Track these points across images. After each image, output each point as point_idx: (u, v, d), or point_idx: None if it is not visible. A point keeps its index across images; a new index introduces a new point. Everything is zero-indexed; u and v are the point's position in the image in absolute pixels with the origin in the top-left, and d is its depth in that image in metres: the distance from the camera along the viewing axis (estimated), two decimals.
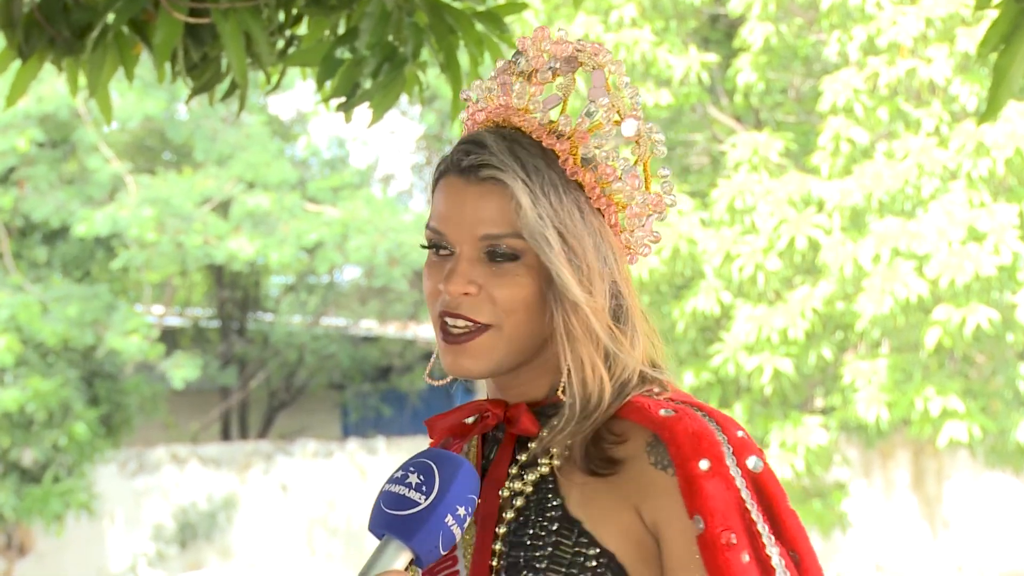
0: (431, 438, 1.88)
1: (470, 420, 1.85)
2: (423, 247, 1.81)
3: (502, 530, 1.77)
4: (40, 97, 14.48)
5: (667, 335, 11.48)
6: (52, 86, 14.44)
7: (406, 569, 1.69)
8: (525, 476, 1.78)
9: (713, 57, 12.19)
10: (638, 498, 1.72)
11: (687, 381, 11.51)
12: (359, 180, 18.27)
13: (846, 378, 11.33)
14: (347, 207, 16.75)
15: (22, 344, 14.33)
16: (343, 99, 3.42)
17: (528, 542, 1.74)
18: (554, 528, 1.74)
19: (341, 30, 3.54)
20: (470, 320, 1.75)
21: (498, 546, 1.77)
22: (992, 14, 3.04)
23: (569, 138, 1.77)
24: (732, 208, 11.32)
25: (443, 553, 1.69)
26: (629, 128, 1.78)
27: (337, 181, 17.60)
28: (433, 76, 8.08)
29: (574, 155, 1.77)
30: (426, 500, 1.67)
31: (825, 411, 12.26)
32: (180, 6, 3.34)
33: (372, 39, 3.38)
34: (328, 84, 3.46)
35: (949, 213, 10.69)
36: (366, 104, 3.42)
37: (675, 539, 1.70)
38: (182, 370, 16.34)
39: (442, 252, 1.78)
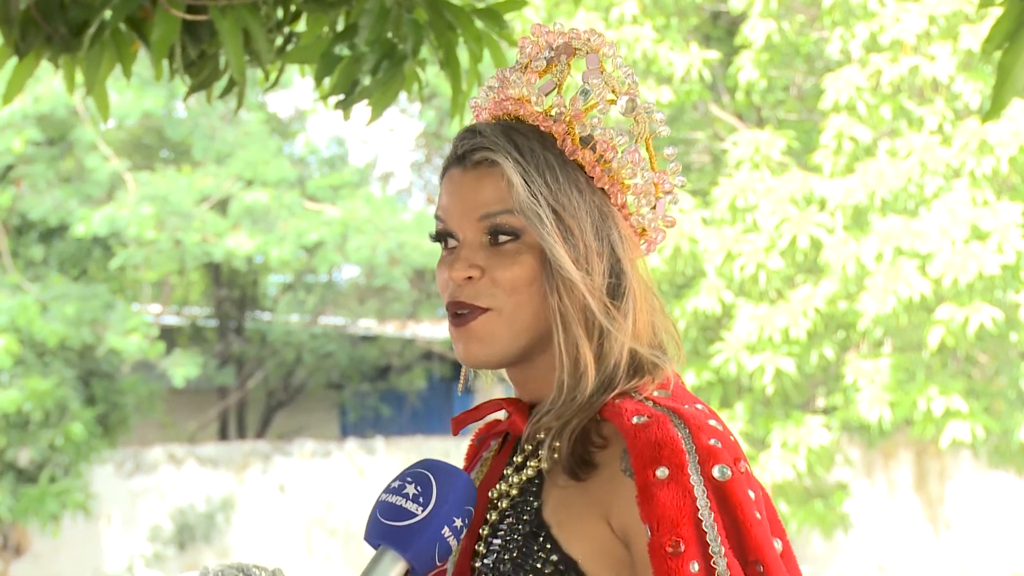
0: (454, 435, 1.89)
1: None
2: (432, 239, 1.83)
3: (485, 531, 1.77)
4: (37, 96, 14.45)
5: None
6: (49, 85, 14.41)
7: None
8: (513, 478, 1.78)
9: (714, 54, 12.16)
10: (607, 504, 1.71)
11: (688, 381, 11.47)
12: (358, 178, 18.27)
13: (848, 378, 11.30)
14: (346, 206, 16.75)
15: (20, 344, 14.30)
16: (342, 96, 3.43)
17: (500, 544, 1.74)
18: (526, 532, 1.73)
19: (340, 27, 3.54)
20: (468, 305, 1.76)
21: (480, 547, 1.77)
22: (996, 11, 3.04)
23: (566, 120, 1.78)
24: (733, 207, 11.30)
25: (439, 565, 1.69)
26: (622, 105, 1.79)
27: (336, 179, 17.61)
28: (432, 73, 8.05)
29: (572, 135, 1.78)
30: (423, 512, 1.67)
31: (827, 411, 12.23)
32: (178, 3, 3.34)
33: (371, 36, 3.38)
34: (327, 81, 3.47)
35: (952, 212, 10.66)
36: (365, 101, 3.43)
37: (637, 546, 1.69)
38: (182, 368, 16.34)
39: (450, 244, 1.80)
